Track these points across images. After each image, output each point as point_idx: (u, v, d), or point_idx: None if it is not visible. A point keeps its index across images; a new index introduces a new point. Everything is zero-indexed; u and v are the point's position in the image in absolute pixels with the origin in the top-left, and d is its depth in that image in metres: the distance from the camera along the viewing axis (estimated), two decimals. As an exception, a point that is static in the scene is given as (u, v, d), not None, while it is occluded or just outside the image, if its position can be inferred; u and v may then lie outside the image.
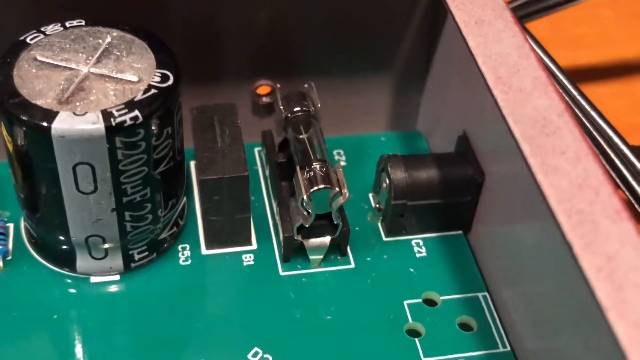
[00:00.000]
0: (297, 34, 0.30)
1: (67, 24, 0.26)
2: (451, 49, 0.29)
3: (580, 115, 0.31)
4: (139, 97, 0.24)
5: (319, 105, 0.29)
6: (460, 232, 0.29)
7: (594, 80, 0.39)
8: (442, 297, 0.27)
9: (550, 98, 0.22)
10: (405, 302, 0.26)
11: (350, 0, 0.29)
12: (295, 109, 0.29)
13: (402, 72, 0.32)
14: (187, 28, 0.29)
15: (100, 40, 0.25)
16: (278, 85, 0.30)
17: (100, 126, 0.23)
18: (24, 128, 0.23)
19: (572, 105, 0.31)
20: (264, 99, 0.31)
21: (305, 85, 0.29)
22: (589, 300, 0.19)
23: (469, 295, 0.27)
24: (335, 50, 0.31)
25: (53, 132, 0.23)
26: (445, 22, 0.29)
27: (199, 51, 0.29)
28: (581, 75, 0.39)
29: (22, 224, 0.28)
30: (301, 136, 0.28)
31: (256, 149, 0.31)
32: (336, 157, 0.31)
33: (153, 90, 0.24)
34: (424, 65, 0.31)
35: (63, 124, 0.23)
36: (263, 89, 0.31)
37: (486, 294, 0.27)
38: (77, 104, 0.23)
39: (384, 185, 0.28)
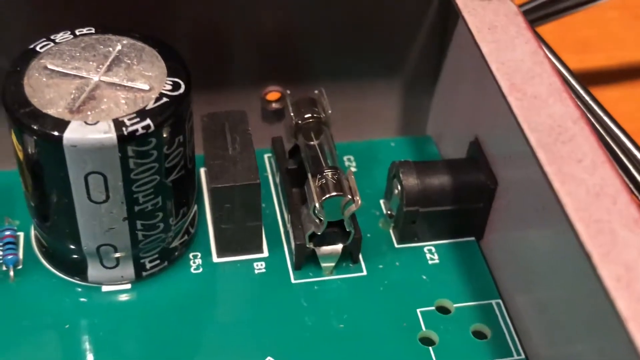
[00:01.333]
0: (306, 40, 0.30)
1: (77, 32, 0.26)
2: (462, 53, 0.29)
3: (593, 120, 0.31)
4: (151, 105, 0.23)
5: (330, 112, 0.29)
6: (472, 238, 0.29)
7: (603, 83, 0.39)
8: (455, 305, 0.27)
9: (566, 105, 0.22)
10: (418, 310, 0.26)
11: (360, 5, 0.29)
12: (306, 116, 0.28)
13: (412, 77, 0.31)
14: (196, 35, 0.29)
15: (111, 48, 0.25)
16: (288, 92, 0.30)
17: (112, 135, 0.23)
18: (35, 138, 0.23)
19: (585, 110, 0.31)
20: (274, 105, 0.31)
21: (316, 91, 0.29)
22: (605, 308, 0.19)
23: (483, 302, 0.27)
24: (344, 55, 0.30)
25: (64, 141, 0.23)
26: (455, 26, 0.29)
27: (208, 58, 0.29)
28: (589, 78, 0.39)
29: (33, 232, 0.28)
30: (312, 142, 0.28)
31: (266, 155, 0.31)
32: (346, 163, 0.31)
33: (164, 99, 0.24)
34: (434, 70, 0.31)
35: (74, 133, 0.23)
36: (272, 95, 0.31)
37: (500, 301, 0.27)
38: (89, 113, 0.23)
39: (396, 191, 0.28)
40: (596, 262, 0.19)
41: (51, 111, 0.23)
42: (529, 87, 0.22)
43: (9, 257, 0.27)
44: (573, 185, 0.20)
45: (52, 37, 0.25)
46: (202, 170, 0.30)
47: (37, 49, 0.25)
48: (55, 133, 0.23)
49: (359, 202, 0.26)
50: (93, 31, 0.26)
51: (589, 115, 0.30)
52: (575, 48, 0.41)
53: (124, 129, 0.23)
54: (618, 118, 0.31)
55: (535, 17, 0.34)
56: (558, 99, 0.22)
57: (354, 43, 0.30)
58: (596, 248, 0.19)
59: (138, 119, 0.23)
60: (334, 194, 0.26)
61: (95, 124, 0.23)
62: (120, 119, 0.23)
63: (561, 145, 0.21)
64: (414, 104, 0.32)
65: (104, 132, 0.23)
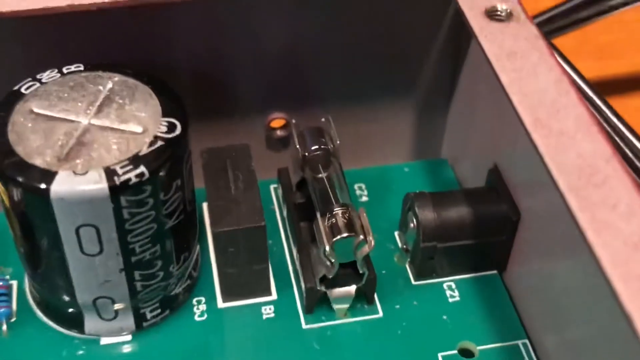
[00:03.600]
0: (311, 62, 0.28)
1: (65, 70, 0.24)
2: (476, 74, 0.27)
3: (613, 134, 0.29)
4: (145, 150, 0.22)
5: (338, 142, 0.27)
6: (494, 272, 0.27)
7: (625, 91, 0.37)
8: (479, 347, 0.25)
9: (596, 140, 0.20)
10: (439, 354, 0.25)
11: (368, 26, 0.27)
12: (313, 147, 0.26)
13: (425, 98, 0.30)
14: (194, 63, 0.27)
15: (101, 87, 0.23)
16: (293, 121, 0.28)
17: (103, 186, 0.21)
18: (21, 190, 0.21)
19: (605, 124, 0.29)
20: (279, 133, 0.29)
21: (323, 120, 0.27)
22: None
23: (509, 343, 0.25)
24: (353, 77, 0.29)
25: (52, 194, 0.21)
26: (469, 46, 0.27)
27: (208, 86, 0.28)
28: (611, 86, 0.37)
29: (27, 280, 0.26)
30: (320, 175, 0.26)
31: (272, 186, 0.29)
32: (357, 192, 0.29)
33: (159, 142, 0.22)
34: (448, 90, 0.30)
35: (63, 185, 0.21)
36: (277, 122, 0.29)
37: (526, 341, 0.25)
38: (78, 161, 0.21)
39: (412, 225, 0.26)
40: (638, 325, 0.17)
41: (38, 161, 0.21)
42: (554, 122, 0.20)
43: (1, 310, 0.25)
44: (609, 235, 0.18)
45: (38, 77, 0.24)
46: (204, 205, 0.28)
47: (22, 90, 0.23)
48: (43, 186, 0.21)
49: (372, 242, 0.24)
50: (82, 68, 0.24)
51: (607, 128, 0.28)
52: (595, 54, 0.39)
53: (115, 178, 0.21)
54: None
55: (551, 28, 0.32)
56: (587, 133, 0.20)
57: (362, 64, 0.28)
58: (638, 310, 0.17)
59: (131, 167, 0.21)
60: (345, 234, 0.24)
61: (84, 173, 0.21)
62: (112, 167, 0.21)
63: (593, 189, 0.19)
64: (427, 126, 0.30)
65: (94, 183, 0.21)
